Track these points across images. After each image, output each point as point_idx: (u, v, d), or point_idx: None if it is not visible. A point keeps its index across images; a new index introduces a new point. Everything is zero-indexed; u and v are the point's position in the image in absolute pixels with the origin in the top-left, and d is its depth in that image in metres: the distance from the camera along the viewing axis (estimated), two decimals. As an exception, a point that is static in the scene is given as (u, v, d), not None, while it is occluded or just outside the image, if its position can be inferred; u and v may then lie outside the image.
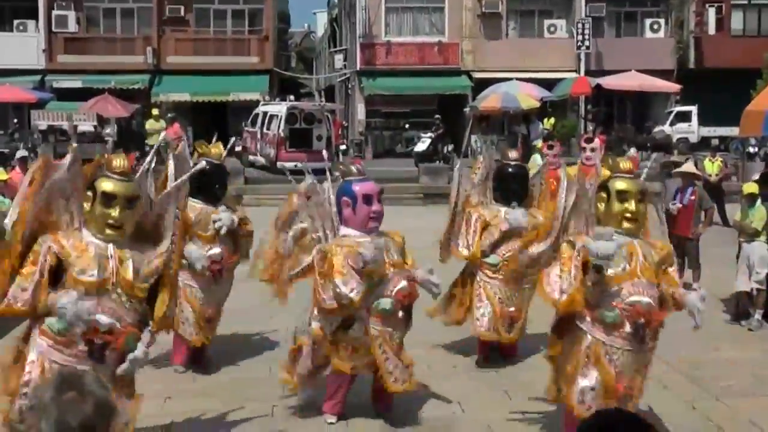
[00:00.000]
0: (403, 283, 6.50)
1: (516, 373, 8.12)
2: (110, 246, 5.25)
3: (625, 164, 6.04)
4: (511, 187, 8.26)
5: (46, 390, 2.75)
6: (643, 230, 6.05)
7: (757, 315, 10.06)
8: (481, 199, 8.38)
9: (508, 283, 8.12)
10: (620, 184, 5.90)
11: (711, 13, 37.01)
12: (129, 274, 5.22)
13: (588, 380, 5.78)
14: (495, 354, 8.44)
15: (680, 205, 11.59)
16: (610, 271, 5.72)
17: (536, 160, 13.44)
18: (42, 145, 29.14)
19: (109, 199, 5.23)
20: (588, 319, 5.80)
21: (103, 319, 5.11)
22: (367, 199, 6.58)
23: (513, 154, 8.58)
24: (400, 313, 6.52)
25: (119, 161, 5.36)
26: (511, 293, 8.12)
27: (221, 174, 8.16)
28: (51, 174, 5.27)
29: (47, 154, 5.80)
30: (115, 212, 5.22)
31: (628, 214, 5.82)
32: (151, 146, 24.55)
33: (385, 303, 6.45)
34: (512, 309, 8.12)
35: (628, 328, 5.69)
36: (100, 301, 5.14)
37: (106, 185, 5.27)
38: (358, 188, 6.62)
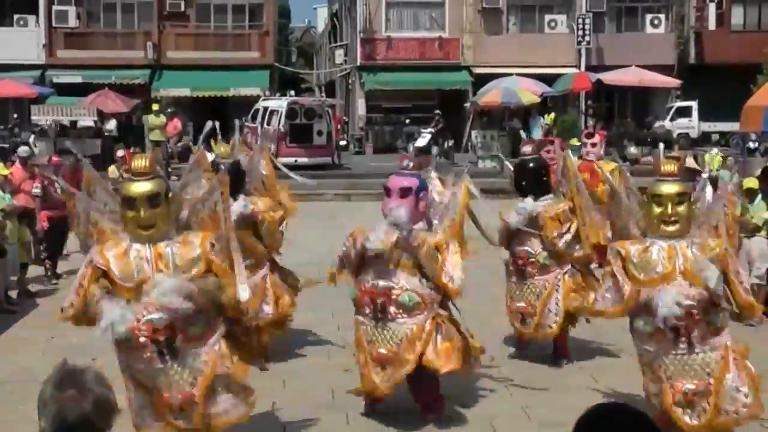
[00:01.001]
0: (382, 283, 6.46)
1: (518, 368, 8.13)
2: (146, 246, 5.31)
3: (666, 167, 5.99)
4: (527, 180, 8.26)
5: (47, 387, 2.74)
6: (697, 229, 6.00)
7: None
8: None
9: (515, 277, 8.18)
10: (655, 188, 5.91)
11: (711, 9, 36.97)
12: (169, 267, 5.27)
13: (652, 386, 5.89)
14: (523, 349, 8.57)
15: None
16: (642, 276, 5.77)
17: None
18: (39, 140, 29.12)
19: (130, 202, 5.32)
20: (632, 330, 5.97)
21: (157, 316, 5.17)
22: (387, 192, 6.67)
23: (527, 148, 8.62)
24: (368, 309, 6.49)
25: (138, 161, 5.43)
26: (518, 288, 8.16)
27: (234, 171, 8.17)
28: (76, 199, 5.64)
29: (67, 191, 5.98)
30: (140, 213, 5.28)
31: (665, 218, 5.80)
32: (152, 141, 24.34)
33: (351, 291, 6.66)
34: (521, 304, 8.15)
35: (669, 335, 5.71)
36: (148, 301, 5.20)
37: (125, 189, 5.38)
38: (387, 181, 6.75)
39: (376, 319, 6.47)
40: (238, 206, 7.79)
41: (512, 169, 8.84)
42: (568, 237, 7.95)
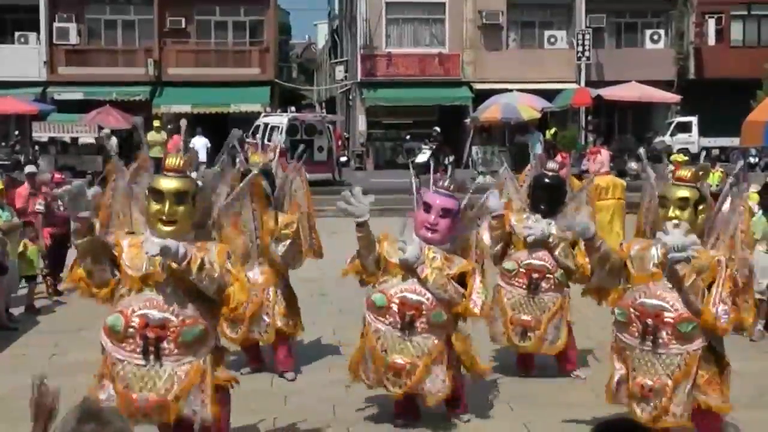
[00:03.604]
0: (416, 297, 6.46)
1: (520, 384, 8.11)
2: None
3: (681, 172, 6.00)
4: (543, 196, 8.23)
5: (68, 421, 2.78)
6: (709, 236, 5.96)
7: (759, 326, 10.03)
8: (523, 205, 8.42)
9: (524, 290, 8.14)
10: (663, 191, 5.96)
11: (711, 24, 37.11)
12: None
13: (618, 372, 5.99)
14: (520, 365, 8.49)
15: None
16: (634, 271, 5.84)
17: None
18: (41, 156, 29.19)
19: (157, 195, 5.36)
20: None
21: (154, 313, 5.19)
22: (426, 207, 6.66)
23: (551, 164, 8.60)
24: (392, 318, 6.49)
25: (172, 159, 5.48)
26: (526, 301, 8.12)
27: (270, 180, 8.19)
28: (118, 180, 5.72)
29: (114, 163, 6.00)
30: (164, 208, 5.31)
31: (666, 220, 5.82)
32: (153, 159, 24.29)
33: (377, 297, 6.54)
34: (525, 317, 8.12)
35: (639, 327, 5.75)
36: (149, 296, 5.22)
37: (155, 183, 5.43)
38: (425, 195, 6.75)
39: (402, 329, 6.48)
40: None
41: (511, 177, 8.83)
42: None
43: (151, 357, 5.20)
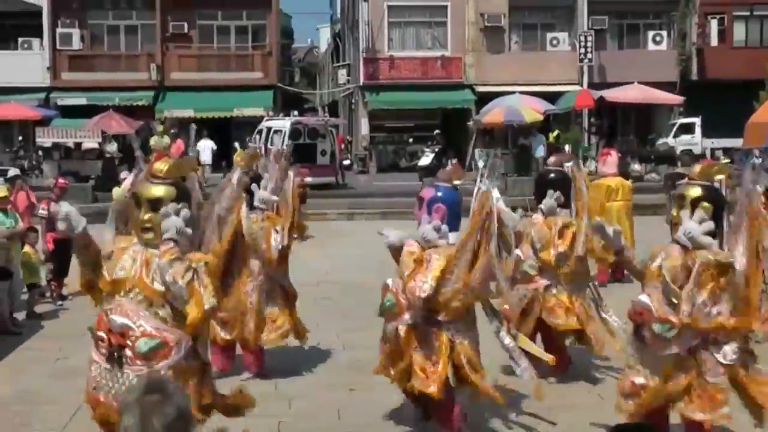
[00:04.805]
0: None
1: (522, 385, 8.09)
2: (142, 250, 5.22)
3: (693, 169, 5.94)
4: (544, 192, 8.27)
5: (133, 390, 2.89)
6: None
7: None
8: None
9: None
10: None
11: (713, 25, 37.08)
12: (148, 276, 5.16)
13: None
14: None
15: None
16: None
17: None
18: (45, 162, 29.24)
19: (137, 202, 5.31)
20: None
21: (117, 319, 5.11)
22: (419, 201, 6.74)
23: (551, 159, 8.63)
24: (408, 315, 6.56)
25: (159, 164, 5.37)
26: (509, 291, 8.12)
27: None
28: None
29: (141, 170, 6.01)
30: (144, 215, 5.25)
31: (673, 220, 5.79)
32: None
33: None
34: (504, 306, 8.13)
35: (633, 325, 5.76)
36: (120, 301, 5.14)
37: (137, 188, 5.39)
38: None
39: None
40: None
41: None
42: (560, 250, 7.94)
43: (115, 364, 5.10)
